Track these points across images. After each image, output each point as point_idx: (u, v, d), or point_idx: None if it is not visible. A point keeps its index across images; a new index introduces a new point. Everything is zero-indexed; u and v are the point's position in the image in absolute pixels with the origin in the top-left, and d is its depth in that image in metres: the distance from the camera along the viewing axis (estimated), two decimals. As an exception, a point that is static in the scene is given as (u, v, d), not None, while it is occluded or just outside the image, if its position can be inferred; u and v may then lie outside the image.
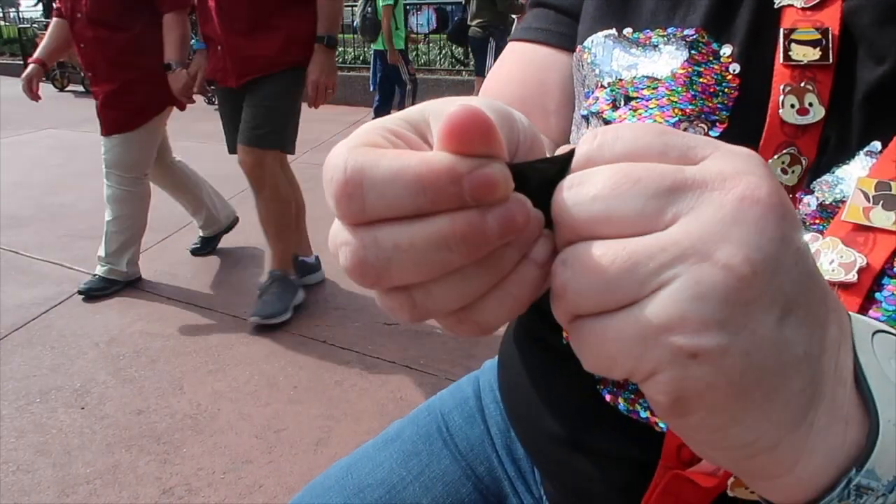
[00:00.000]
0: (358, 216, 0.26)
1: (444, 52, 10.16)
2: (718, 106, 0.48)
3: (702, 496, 0.51)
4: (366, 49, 10.40)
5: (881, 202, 0.41)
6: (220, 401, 2.37)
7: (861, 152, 0.44)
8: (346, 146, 0.26)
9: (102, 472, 2.01)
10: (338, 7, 2.76)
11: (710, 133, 0.48)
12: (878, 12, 0.44)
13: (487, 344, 2.68)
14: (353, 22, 14.55)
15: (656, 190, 0.25)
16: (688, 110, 0.49)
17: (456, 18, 15.21)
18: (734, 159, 0.26)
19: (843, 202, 0.43)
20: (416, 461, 0.75)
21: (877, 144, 0.43)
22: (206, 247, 3.78)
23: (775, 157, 0.45)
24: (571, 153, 0.28)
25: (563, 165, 0.28)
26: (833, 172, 0.44)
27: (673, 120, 0.49)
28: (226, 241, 3.94)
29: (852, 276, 0.41)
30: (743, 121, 0.47)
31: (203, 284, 3.35)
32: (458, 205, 0.25)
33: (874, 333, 0.30)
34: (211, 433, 2.19)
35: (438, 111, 0.29)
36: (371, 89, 6.91)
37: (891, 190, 0.41)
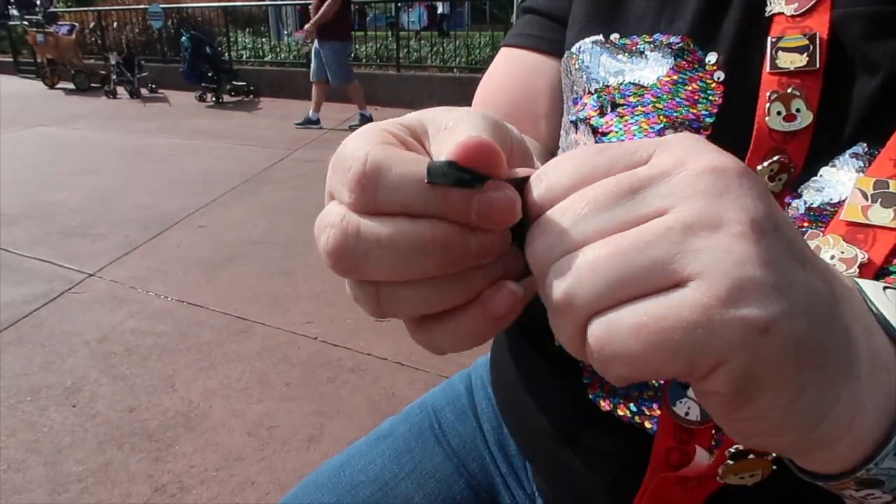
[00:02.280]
0: (368, 206, 0.27)
1: (435, 48, 10.14)
2: (703, 113, 0.48)
3: (690, 498, 0.52)
4: (357, 47, 10.38)
5: (879, 200, 0.41)
6: (212, 398, 2.37)
7: (846, 153, 0.44)
8: (366, 140, 0.28)
9: (94, 470, 2.01)
10: None
11: None
12: (868, 23, 0.44)
13: (479, 341, 2.69)
14: (344, 19, 14.48)
15: (615, 198, 0.25)
16: (672, 117, 0.49)
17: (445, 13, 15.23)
18: (678, 145, 0.26)
19: (829, 205, 0.43)
20: (409, 458, 0.75)
21: (862, 145, 0.43)
22: None
23: (764, 164, 0.45)
24: (525, 179, 0.29)
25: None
26: (820, 175, 0.44)
27: (658, 126, 0.49)
28: (218, 239, 3.93)
29: (853, 272, 0.41)
30: (727, 128, 0.47)
31: (194, 282, 3.35)
32: (464, 221, 0.27)
33: (884, 289, 0.31)
34: (203, 430, 2.19)
35: (435, 119, 0.30)
36: None
37: (888, 188, 0.41)
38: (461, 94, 8.40)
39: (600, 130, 0.53)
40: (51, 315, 2.98)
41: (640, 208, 0.25)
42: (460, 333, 0.30)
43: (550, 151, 0.65)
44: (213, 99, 9.36)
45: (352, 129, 7.29)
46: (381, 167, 0.27)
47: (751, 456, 0.48)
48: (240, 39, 11.57)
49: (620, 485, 0.57)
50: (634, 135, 0.50)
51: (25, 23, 10.97)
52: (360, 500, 0.72)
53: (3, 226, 4.11)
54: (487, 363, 0.81)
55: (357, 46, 10.43)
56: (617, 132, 0.51)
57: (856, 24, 0.45)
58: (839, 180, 0.43)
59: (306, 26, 7.08)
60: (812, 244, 0.43)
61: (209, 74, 9.21)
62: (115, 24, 12.25)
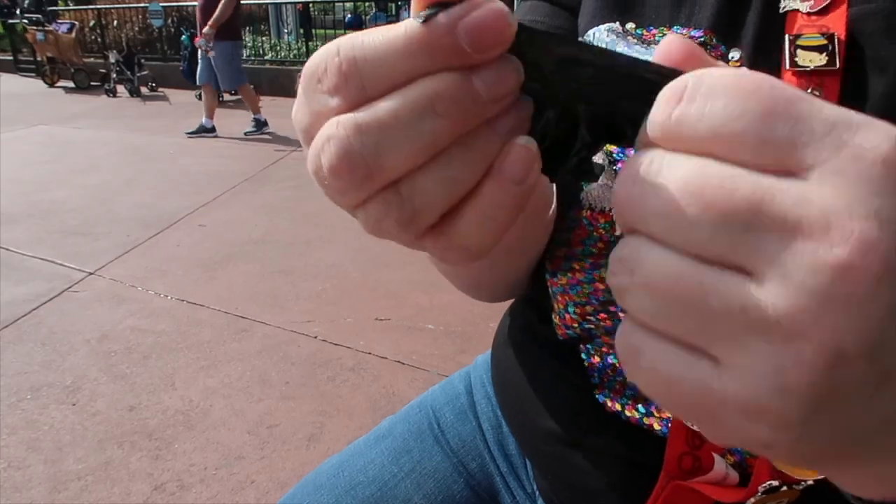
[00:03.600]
0: (358, 96, 0.25)
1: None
2: None
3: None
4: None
5: None
6: (212, 397, 2.37)
7: None
8: (331, 43, 0.26)
9: (94, 469, 2.01)
10: None
11: None
12: (884, 19, 0.44)
13: (479, 340, 2.69)
14: (344, 18, 14.51)
15: (728, 223, 0.21)
16: None
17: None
18: (850, 184, 0.20)
19: None
20: (408, 458, 0.75)
21: None
22: None
23: None
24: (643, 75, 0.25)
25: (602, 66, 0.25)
26: None
27: None
28: (218, 237, 3.93)
29: None
30: None
31: (194, 280, 3.35)
32: (460, 61, 0.24)
33: None
34: (203, 429, 2.19)
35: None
36: None
37: None
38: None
39: (706, 80, 0.51)
40: (51, 313, 2.98)
41: (739, 254, 0.21)
42: (489, 218, 0.26)
43: None
44: (214, 97, 9.35)
45: (247, 135, 6.87)
46: (355, 48, 0.24)
47: (784, 489, 0.47)
48: (240, 38, 11.56)
49: (625, 486, 0.57)
50: None
51: (25, 21, 10.96)
52: (360, 500, 0.72)
53: (4, 224, 4.11)
54: (487, 362, 0.81)
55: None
56: None
57: (870, 21, 0.44)
58: None
59: (205, 29, 6.53)
60: None
61: (209, 73, 9.20)
62: (115, 22, 12.24)
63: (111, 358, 2.61)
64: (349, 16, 14.84)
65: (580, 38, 0.58)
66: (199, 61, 6.94)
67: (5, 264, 3.50)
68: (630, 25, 0.54)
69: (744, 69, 0.22)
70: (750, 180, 0.21)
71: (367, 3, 14.21)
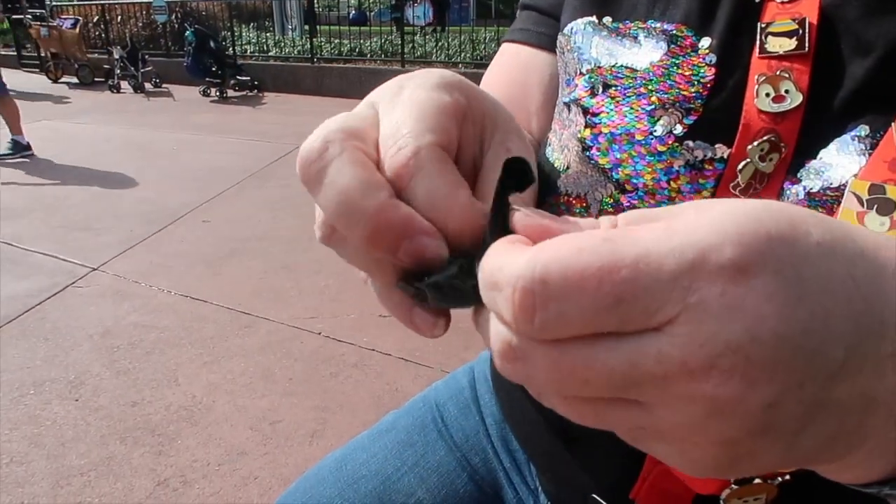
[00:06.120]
0: None
1: (440, 44, 10.11)
2: (693, 95, 0.48)
3: (688, 490, 0.51)
4: (361, 41, 10.36)
5: (875, 206, 0.40)
6: (215, 392, 2.37)
7: (847, 135, 0.43)
8: None
9: (97, 464, 2.01)
10: None
11: (685, 121, 0.48)
12: (865, 6, 0.44)
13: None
14: (349, 14, 14.50)
15: (611, 387, 0.24)
16: (663, 98, 0.49)
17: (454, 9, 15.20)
18: (701, 328, 0.22)
19: (829, 189, 0.42)
20: (411, 452, 0.75)
21: (865, 128, 0.43)
22: None
23: (754, 143, 0.45)
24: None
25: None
26: (820, 158, 0.44)
27: (650, 108, 0.49)
28: (221, 234, 3.93)
29: None
30: (716, 110, 0.47)
31: (198, 276, 3.35)
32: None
33: None
34: (206, 425, 2.19)
35: (385, 137, 0.34)
36: None
37: (885, 193, 0.40)
38: (465, 89, 8.37)
39: (591, 111, 0.53)
40: (54, 309, 2.99)
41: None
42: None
43: (540, 144, 0.65)
44: (217, 93, 9.35)
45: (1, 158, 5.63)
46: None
47: (756, 481, 0.47)
48: (244, 34, 11.56)
49: (621, 479, 0.57)
50: (625, 115, 0.50)
51: (29, 16, 10.97)
52: (363, 493, 0.71)
53: (8, 220, 4.12)
54: (490, 357, 0.81)
55: (361, 41, 10.41)
56: (608, 113, 0.51)
57: (852, 7, 0.45)
58: (839, 163, 0.43)
59: None
60: None
61: (213, 69, 9.20)
62: (118, 17, 12.26)
63: (114, 353, 2.61)
64: (353, 12, 14.83)
65: (560, 32, 0.60)
66: None
67: (9, 259, 3.50)
68: (607, 19, 0.55)
69: (576, 240, 0.23)
70: (616, 354, 0.23)
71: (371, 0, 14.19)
